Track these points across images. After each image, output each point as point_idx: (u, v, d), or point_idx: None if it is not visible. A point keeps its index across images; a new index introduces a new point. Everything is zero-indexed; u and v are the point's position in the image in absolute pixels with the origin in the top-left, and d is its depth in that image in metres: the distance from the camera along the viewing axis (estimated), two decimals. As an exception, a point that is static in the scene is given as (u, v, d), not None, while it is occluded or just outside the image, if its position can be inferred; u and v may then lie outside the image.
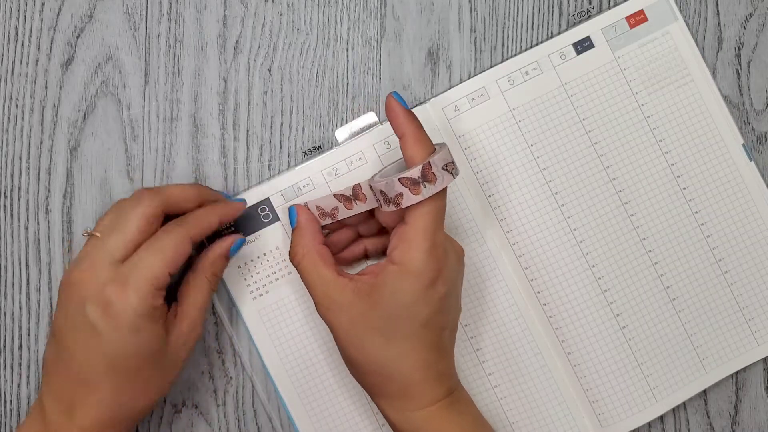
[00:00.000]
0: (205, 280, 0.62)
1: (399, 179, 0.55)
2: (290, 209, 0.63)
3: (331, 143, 0.67)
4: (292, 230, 0.63)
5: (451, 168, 0.56)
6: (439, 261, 0.57)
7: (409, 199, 0.55)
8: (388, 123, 0.66)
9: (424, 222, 0.56)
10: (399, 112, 0.57)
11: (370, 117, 0.67)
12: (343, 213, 0.62)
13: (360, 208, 0.61)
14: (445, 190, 0.56)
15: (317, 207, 0.63)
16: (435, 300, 0.57)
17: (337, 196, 0.62)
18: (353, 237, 0.66)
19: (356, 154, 0.66)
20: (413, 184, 0.55)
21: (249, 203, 0.66)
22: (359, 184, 0.60)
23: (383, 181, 0.56)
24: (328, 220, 0.63)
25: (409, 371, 0.58)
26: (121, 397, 0.58)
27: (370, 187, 0.59)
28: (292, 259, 0.61)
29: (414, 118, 0.57)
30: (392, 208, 0.56)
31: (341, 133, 0.67)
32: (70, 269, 0.58)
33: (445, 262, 0.57)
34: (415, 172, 0.55)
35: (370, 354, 0.58)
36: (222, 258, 0.63)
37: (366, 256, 0.66)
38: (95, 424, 0.57)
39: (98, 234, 0.58)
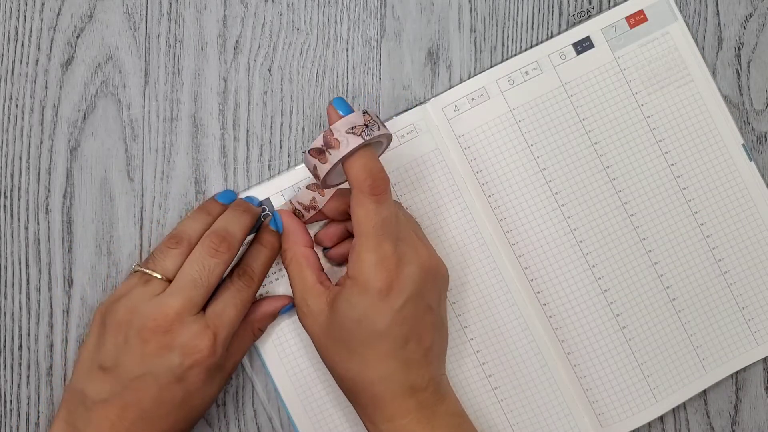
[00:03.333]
0: (251, 334, 0.65)
1: (308, 151, 0.56)
2: (274, 214, 0.64)
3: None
4: (280, 233, 0.64)
5: (359, 130, 0.55)
6: (389, 272, 0.56)
7: (321, 168, 0.56)
8: (387, 123, 0.66)
9: (367, 234, 0.56)
10: (334, 118, 0.57)
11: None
12: (320, 200, 0.63)
13: (334, 157, 0.57)
14: (387, 198, 0.57)
15: (298, 203, 0.64)
16: (390, 312, 0.57)
17: (310, 186, 0.63)
18: (344, 230, 0.66)
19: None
20: (319, 154, 0.56)
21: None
22: (329, 129, 0.57)
23: (320, 138, 0.56)
24: (311, 213, 0.64)
25: (371, 383, 0.58)
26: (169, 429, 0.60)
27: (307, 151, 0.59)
28: (282, 263, 0.63)
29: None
30: (316, 183, 0.59)
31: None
32: (145, 312, 0.59)
33: (398, 274, 0.57)
34: (317, 141, 0.55)
35: (337, 364, 0.59)
36: (271, 317, 0.66)
37: None
38: None
39: (160, 276, 0.60)
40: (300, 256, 0.61)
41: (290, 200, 0.64)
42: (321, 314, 0.59)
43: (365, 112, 0.56)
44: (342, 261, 0.66)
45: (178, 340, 0.58)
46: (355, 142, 0.55)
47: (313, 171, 0.57)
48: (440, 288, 0.61)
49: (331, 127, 0.55)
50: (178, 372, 0.58)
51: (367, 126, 0.56)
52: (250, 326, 0.65)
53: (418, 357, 0.59)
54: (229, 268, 0.62)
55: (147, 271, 0.60)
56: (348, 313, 0.57)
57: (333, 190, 0.62)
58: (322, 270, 0.62)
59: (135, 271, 0.61)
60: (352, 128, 0.55)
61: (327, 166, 0.56)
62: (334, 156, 0.55)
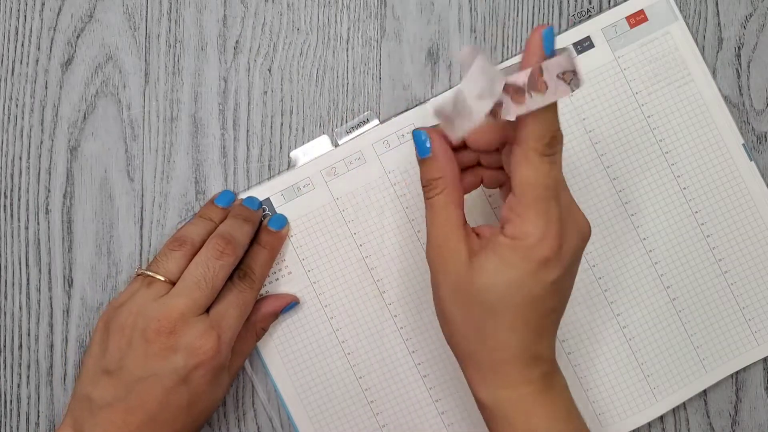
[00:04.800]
0: (254, 334, 0.65)
1: (504, 84, 0.47)
2: (416, 133, 0.55)
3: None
4: (424, 158, 0.55)
5: (569, 78, 0.47)
6: (555, 241, 0.51)
7: (509, 109, 0.47)
8: (387, 123, 0.66)
9: (535, 195, 0.50)
10: (536, 55, 0.48)
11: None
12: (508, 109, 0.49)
13: (535, 103, 0.47)
14: (559, 158, 0.50)
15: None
16: (546, 282, 0.52)
17: (507, 86, 0.48)
18: (474, 161, 0.58)
19: (355, 154, 0.66)
20: (516, 92, 0.47)
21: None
22: (539, 66, 0.46)
23: (480, 81, 0.47)
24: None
25: (504, 347, 0.53)
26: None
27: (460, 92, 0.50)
28: (428, 190, 0.55)
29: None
30: (489, 119, 0.48)
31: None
32: (149, 313, 0.58)
33: (560, 244, 0.52)
34: (520, 77, 0.46)
35: (469, 319, 0.54)
36: (274, 315, 0.66)
37: (482, 182, 0.59)
38: None
39: (163, 278, 0.60)
40: (452, 190, 0.55)
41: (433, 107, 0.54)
42: (462, 264, 0.53)
43: (570, 53, 0.48)
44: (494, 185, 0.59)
45: (183, 341, 0.58)
46: (564, 92, 0.47)
47: (492, 106, 0.47)
48: (581, 255, 0.56)
49: (543, 64, 0.46)
50: (182, 373, 0.58)
51: (574, 74, 0.47)
52: (253, 327, 0.65)
53: (553, 327, 0.56)
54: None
55: (150, 273, 0.60)
56: (498, 273, 0.52)
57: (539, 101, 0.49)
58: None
59: (138, 275, 0.61)
60: (563, 73, 0.47)
61: (521, 110, 0.47)
62: (534, 101, 0.46)
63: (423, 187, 0.56)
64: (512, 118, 0.48)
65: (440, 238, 0.54)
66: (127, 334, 0.58)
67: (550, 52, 0.48)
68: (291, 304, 0.66)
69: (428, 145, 0.55)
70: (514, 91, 0.46)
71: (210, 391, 0.60)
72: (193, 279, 0.59)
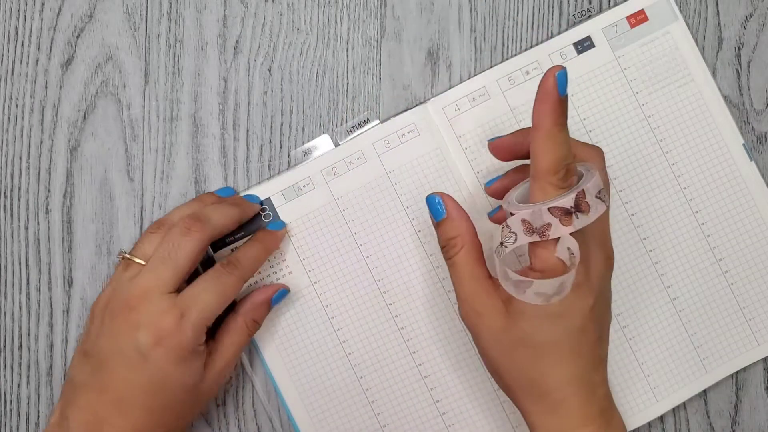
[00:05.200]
0: (245, 325, 0.63)
1: (549, 209, 0.50)
2: (431, 198, 0.58)
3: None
4: (440, 220, 0.57)
5: (603, 196, 0.51)
6: (582, 265, 0.52)
7: (558, 230, 0.50)
8: (387, 123, 0.66)
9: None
10: (548, 96, 0.50)
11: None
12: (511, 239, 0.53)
13: (581, 222, 0.51)
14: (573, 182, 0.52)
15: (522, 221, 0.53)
16: (584, 310, 0.53)
17: (554, 210, 0.51)
18: (521, 150, 0.60)
19: (355, 153, 0.66)
20: (565, 214, 0.50)
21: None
22: (582, 191, 0.50)
23: (527, 208, 0.51)
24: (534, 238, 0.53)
25: (560, 384, 0.54)
26: (150, 423, 0.58)
27: (507, 213, 0.53)
28: (447, 251, 0.57)
29: (562, 111, 0.51)
30: (535, 238, 0.51)
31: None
32: (119, 293, 0.58)
33: (590, 266, 0.53)
34: (567, 201, 0.50)
35: (517, 366, 0.54)
36: (264, 305, 0.64)
37: None
38: None
39: (142, 262, 0.59)
40: (471, 247, 0.56)
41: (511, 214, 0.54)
42: (499, 315, 0.54)
43: (593, 171, 0.51)
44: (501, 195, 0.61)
45: (143, 317, 0.57)
46: (601, 209, 0.51)
47: (539, 228, 0.50)
48: (610, 281, 0.57)
49: (584, 188, 0.50)
50: (143, 350, 0.56)
51: (603, 189, 0.51)
52: (243, 318, 0.63)
53: (603, 359, 0.56)
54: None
55: (128, 256, 0.60)
56: (536, 312, 0.52)
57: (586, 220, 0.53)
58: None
59: (121, 259, 0.61)
60: (599, 192, 0.50)
61: (569, 230, 0.50)
62: (580, 221, 0.50)
63: (442, 248, 0.57)
64: (554, 236, 0.50)
65: (470, 295, 0.55)
66: (99, 315, 0.59)
67: (564, 94, 0.50)
68: (281, 291, 0.65)
69: (442, 207, 0.57)
70: (562, 214, 0.50)
71: (176, 374, 0.58)
72: (159, 256, 0.58)
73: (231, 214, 0.62)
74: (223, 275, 0.60)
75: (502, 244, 0.52)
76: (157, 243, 0.59)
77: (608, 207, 0.52)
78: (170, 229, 0.59)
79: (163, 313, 0.57)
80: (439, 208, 0.57)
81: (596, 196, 0.50)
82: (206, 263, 0.65)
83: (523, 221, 0.51)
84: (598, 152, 0.57)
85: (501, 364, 0.55)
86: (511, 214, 0.52)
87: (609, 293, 0.57)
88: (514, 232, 0.52)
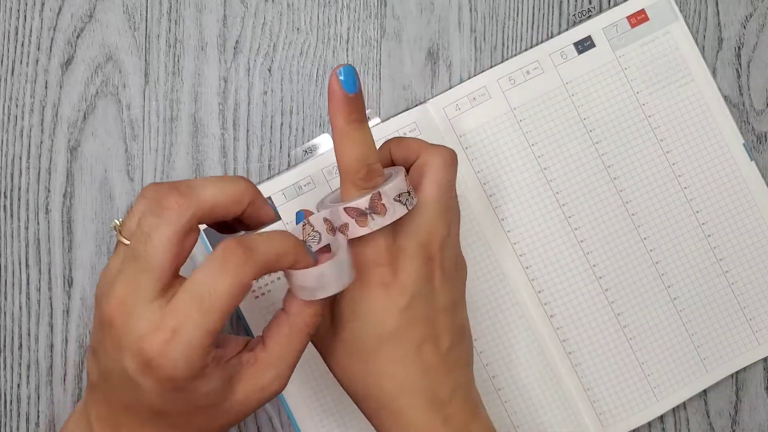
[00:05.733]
0: (304, 326, 0.50)
1: (344, 209, 0.49)
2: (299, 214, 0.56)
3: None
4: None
5: (405, 199, 0.50)
6: (392, 269, 0.51)
7: (355, 230, 0.50)
8: (388, 122, 0.66)
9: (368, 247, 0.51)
10: (334, 96, 0.49)
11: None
12: (328, 238, 0.52)
13: (377, 224, 0.50)
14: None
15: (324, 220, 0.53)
16: (394, 309, 0.51)
17: (349, 210, 0.51)
18: None
19: (357, 154, 0.66)
20: (360, 215, 0.49)
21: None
22: (377, 193, 0.50)
23: (327, 209, 0.51)
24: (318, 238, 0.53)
25: (393, 393, 0.51)
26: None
27: (325, 219, 0.52)
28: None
29: (351, 107, 0.49)
30: (375, 221, 0.50)
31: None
32: (100, 299, 0.47)
33: (399, 269, 0.51)
34: (362, 203, 0.49)
35: (354, 380, 0.53)
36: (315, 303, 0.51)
37: None
38: None
39: (127, 242, 0.46)
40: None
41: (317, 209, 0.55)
42: (329, 329, 0.53)
43: (406, 174, 0.51)
44: None
45: (124, 337, 0.44)
46: (401, 211, 0.50)
47: (339, 227, 0.50)
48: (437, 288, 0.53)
49: (380, 190, 0.49)
50: (133, 378, 0.45)
51: (409, 194, 0.51)
52: (301, 317, 0.49)
53: (436, 362, 0.52)
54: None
55: (117, 235, 0.47)
56: (353, 315, 0.51)
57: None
58: None
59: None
60: (399, 195, 0.50)
61: (364, 231, 0.49)
62: (376, 223, 0.49)
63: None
64: (352, 236, 0.50)
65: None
66: (96, 312, 0.48)
67: (352, 91, 0.49)
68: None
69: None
70: (357, 215, 0.49)
71: (180, 402, 0.46)
72: (131, 250, 0.46)
73: (224, 188, 0.47)
74: (217, 273, 0.44)
75: (305, 242, 0.51)
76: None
77: (409, 209, 0.51)
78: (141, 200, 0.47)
79: (146, 333, 0.44)
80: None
81: (395, 199, 0.50)
82: None
83: (325, 220, 0.51)
84: (441, 153, 0.54)
85: (343, 378, 0.53)
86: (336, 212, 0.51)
87: (445, 297, 0.53)
88: (317, 231, 0.51)
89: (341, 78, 0.49)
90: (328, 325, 0.53)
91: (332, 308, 0.52)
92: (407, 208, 0.50)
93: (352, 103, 0.49)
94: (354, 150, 0.50)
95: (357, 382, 0.53)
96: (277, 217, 0.55)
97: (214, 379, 0.46)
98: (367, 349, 0.51)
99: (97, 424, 0.49)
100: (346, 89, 0.49)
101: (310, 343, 0.52)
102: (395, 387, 0.51)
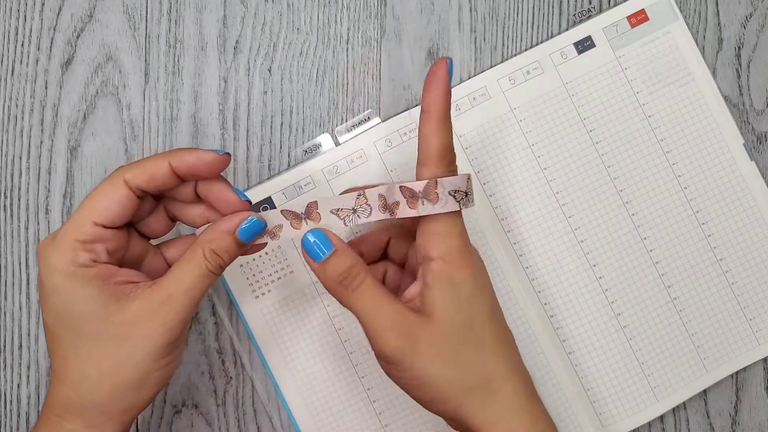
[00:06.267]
0: (200, 255, 0.51)
1: (400, 187, 0.51)
2: (315, 233, 0.53)
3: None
4: (327, 256, 0.52)
5: (460, 197, 0.51)
6: (469, 249, 0.53)
7: (404, 210, 0.51)
8: (388, 122, 0.66)
9: (448, 221, 0.52)
10: (442, 81, 0.51)
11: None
12: (288, 232, 0.54)
13: (425, 210, 0.52)
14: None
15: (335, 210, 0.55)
16: (490, 293, 0.53)
17: (285, 212, 0.54)
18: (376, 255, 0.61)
19: (357, 152, 0.66)
20: (412, 197, 0.51)
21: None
22: (315, 201, 0.53)
23: (384, 184, 0.53)
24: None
25: (506, 373, 0.52)
26: (79, 370, 0.51)
27: (380, 195, 0.53)
28: (348, 283, 0.52)
29: (449, 98, 0.52)
30: (386, 215, 0.52)
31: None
32: None
33: (474, 263, 0.53)
34: (417, 185, 0.51)
35: (467, 368, 0.52)
36: (225, 234, 0.52)
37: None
38: (66, 409, 0.51)
39: None
40: (370, 276, 0.52)
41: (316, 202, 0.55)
42: (424, 328, 0.52)
43: (470, 178, 0.52)
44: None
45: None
46: (452, 207, 0.51)
47: (390, 205, 0.51)
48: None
49: (438, 180, 0.50)
50: (39, 286, 0.52)
51: (466, 194, 0.52)
52: (199, 246, 0.52)
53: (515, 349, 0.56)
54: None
55: None
56: (458, 294, 0.51)
57: (313, 224, 0.54)
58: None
59: None
60: (456, 191, 0.51)
61: (412, 213, 0.50)
62: (425, 208, 0.50)
63: (340, 284, 0.52)
64: (402, 217, 0.51)
65: (395, 319, 0.51)
66: None
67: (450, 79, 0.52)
68: (252, 222, 0.53)
69: (329, 239, 0.52)
70: (410, 195, 0.51)
71: (71, 302, 0.50)
72: None
73: (158, 158, 0.52)
74: (109, 178, 0.51)
75: (354, 211, 0.53)
76: None
77: (462, 208, 0.52)
78: None
79: (42, 245, 0.51)
80: (327, 240, 0.52)
81: (450, 192, 0.51)
82: None
83: (380, 196, 0.52)
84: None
85: (445, 373, 0.52)
86: (402, 188, 0.52)
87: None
88: (369, 205, 0.53)
89: (449, 68, 0.52)
90: (428, 326, 0.51)
91: (433, 311, 0.51)
92: (460, 206, 0.51)
93: (450, 94, 0.52)
94: (448, 136, 0.52)
95: (470, 371, 0.52)
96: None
97: (92, 287, 0.50)
98: (480, 327, 0.52)
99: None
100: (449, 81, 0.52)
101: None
102: (508, 365, 0.53)
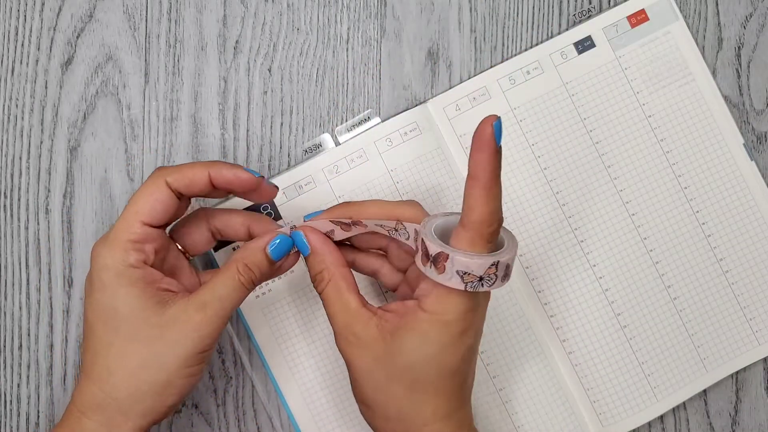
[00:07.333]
0: (234, 269, 0.55)
1: (422, 239, 0.51)
2: (295, 235, 0.57)
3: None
4: (306, 256, 0.57)
5: (469, 280, 0.50)
6: (474, 313, 0.53)
7: (417, 259, 0.52)
8: (389, 121, 0.66)
9: (450, 295, 0.52)
10: (487, 146, 0.49)
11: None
12: (339, 234, 0.57)
13: (359, 231, 0.56)
14: None
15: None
16: (463, 350, 0.53)
17: (334, 221, 0.57)
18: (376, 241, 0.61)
19: (357, 152, 0.66)
20: (425, 254, 0.51)
21: (251, 202, 0.65)
22: (446, 254, 0.51)
23: (440, 247, 0.50)
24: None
25: (429, 420, 0.54)
26: (111, 368, 0.53)
27: (415, 231, 0.54)
28: (316, 286, 0.57)
29: (498, 162, 0.49)
30: (430, 270, 0.51)
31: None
32: None
33: (478, 311, 0.53)
34: (433, 248, 0.50)
35: (389, 398, 0.54)
36: (257, 250, 0.56)
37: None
38: (92, 408, 0.54)
39: None
40: (339, 278, 0.56)
41: (304, 223, 0.58)
42: (375, 344, 0.54)
43: (495, 264, 0.50)
44: (365, 273, 0.61)
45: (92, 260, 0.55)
46: (456, 285, 0.50)
47: (432, 257, 0.51)
48: None
49: (451, 255, 0.49)
50: (86, 286, 0.55)
51: (480, 279, 0.50)
52: (234, 263, 0.56)
53: (468, 394, 0.57)
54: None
55: None
56: (419, 349, 0.52)
57: (360, 229, 0.56)
58: (359, 292, 0.56)
59: None
60: (465, 273, 0.50)
61: (421, 268, 0.51)
62: (430, 273, 0.51)
63: (314, 280, 0.57)
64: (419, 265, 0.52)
65: (343, 326, 0.55)
66: None
67: (499, 144, 0.49)
68: (281, 240, 0.57)
69: (307, 242, 0.57)
70: (423, 254, 0.51)
71: (117, 300, 0.53)
72: None
73: (196, 165, 0.55)
74: (138, 189, 0.55)
75: (396, 230, 0.55)
76: None
77: (471, 291, 0.51)
78: None
79: (96, 244, 0.54)
80: (305, 243, 0.57)
81: (458, 272, 0.50)
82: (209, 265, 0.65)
83: (423, 242, 0.51)
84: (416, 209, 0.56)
85: (372, 397, 0.55)
86: (423, 242, 0.52)
87: (481, 334, 0.56)
88: (407, 231, 0.54)
89: (495, 130, 0.48)
90: (383, 352, 0.53)
91: (396, 335, 0.53)
92: (466, 288, 0.50)
93: (499, 157, 0.49)
94: (493, 204, 0.50)
95: (396, 408, 0.54)
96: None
97: (137, 288, 0.53)
98: (424, 380, 0.53)
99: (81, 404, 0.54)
100: (497, 141, 0.49)
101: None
102: (437, 412, 0.54)
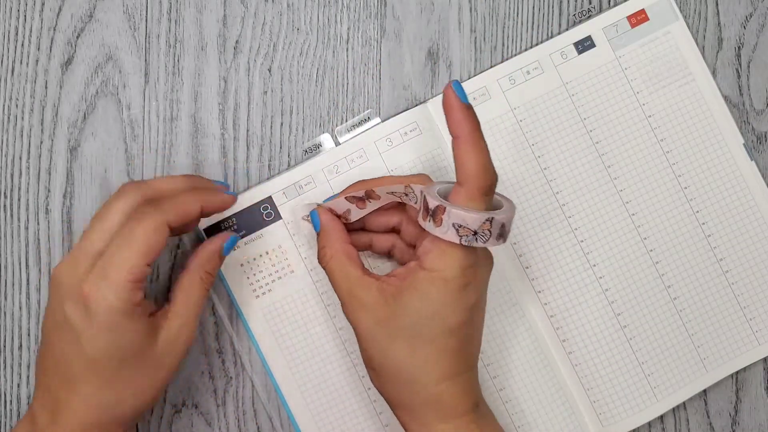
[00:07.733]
0: (198, 278, 0.59)
1: (454, 211, 0.51)
2: (312, 213, 0.62)
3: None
4: (317, 234, 0.62)
5: (464, 233, 0.52)
6: (473, 269, 0.54)
7: (450, 235, 0.52)
8: (389, 121, 0.66)
9: (448, 249, 0.53)
10: (456, 106, 0.52)
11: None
12: (355, 213, 0.61)
13: (373, 206, 0.60)
14: None
15: (330, 210, 0.62)
16: (464, 308, 0.54)
17: (349, 198, 0.61)
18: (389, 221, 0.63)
19: (357, 152, 0.66)
20: (425, 209, 0.53)
21: (251, 202, 0.65)
22: (443, 206, 0.52)
23: (438, 201, 0.52)
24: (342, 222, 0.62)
25: (435, 380, 0.55)
26: (105, 398, 0.55)
27: (420, 192, 0.55)
28: (320, 261, 0.60)
29: (473, 117, 0.53)
30: (429, 224, 0.53)
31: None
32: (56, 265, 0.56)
33: (477, 270, 0.55)
34: (433, 202, 0.52)
35: (394, 360, 0.55)
36: (215, 255, 0.60)
37: (370, 248, 0.64)
38: (80, 427, 0.55)
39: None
40: (341, 253, 0.59)
41: (321, 205, 0.63)
42: (375, 306, 0.56)
43: (490, 220, 0.51)
44: (382, 252, 0.64)
45: (67, 286, 0.55)
46: (451, 238, 0.52)
47: (432, 210, 0.53)
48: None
49: (448, 207, 0.51)
50: (73, 322, 0.54)
51: (475, 233, 0.52)
52: (196, 271, 0.59)
53: (474, 357, 0.58)
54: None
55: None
56: (420, 308, 0.54)
57: (375, 203, 0.60)
58: (363, 265, 0.59)
59: None
60: (460, 226, 0.51)
61: (421, 223, 0.53)
62: (429, 226, 0.53)
63: (319, 253, 0.61)
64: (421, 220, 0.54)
65: (347, 293, 0.58)
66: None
67: (466, 101, 0.52)
68: (231, 239, 0.61)
69: (318, 221, 0.62)
70: (424, 207, 0.53)
71: (113, 341, 0.54)
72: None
73: (176, 179, 0.59)
74: (134, 223, 0.54)
75: (406, 194, 0.57)
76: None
77: (466, 245, 0.53)
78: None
79: (83, 279, 0.53)
80: (316, 221, 0.62)
81: (454, 225, 0.51)
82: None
83: (426, 197, 0.53)
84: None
85: (379, 357, 0.56)
86: (425, 198, 0.54)
87: (485, 298, 0.58)
88: (416, 195, 0.56)
89: (456, 90, 0.52)
90: (386, 313, 0.55)
91: (398, 296, 0.55)
92: (461, 241, 0.52)
93: (473, 113, 0.53)
94: (482, 156, 0.52)
95: (398, 368, 0.56)
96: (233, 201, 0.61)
97: (141, 323, 0.55)
98: (426, 339, 0.55)
99: (40, 419, 0.56)
100: (462, 100, 0.52)
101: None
102: (442, 374, 0.55)
